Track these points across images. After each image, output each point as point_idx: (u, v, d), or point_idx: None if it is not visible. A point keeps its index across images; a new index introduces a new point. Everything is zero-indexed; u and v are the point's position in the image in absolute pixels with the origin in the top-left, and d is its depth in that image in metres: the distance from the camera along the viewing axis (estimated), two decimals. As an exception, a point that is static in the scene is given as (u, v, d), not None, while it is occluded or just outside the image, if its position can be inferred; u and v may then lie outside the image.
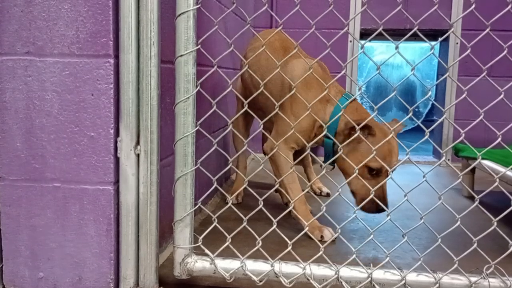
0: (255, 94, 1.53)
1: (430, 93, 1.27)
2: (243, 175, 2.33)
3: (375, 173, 1.71)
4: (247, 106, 1.30)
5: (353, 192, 1.80)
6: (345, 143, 1.65)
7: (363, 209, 1.74)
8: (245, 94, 2.28)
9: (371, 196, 1.39)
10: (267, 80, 1.45)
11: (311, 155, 2.60)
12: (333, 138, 1.80)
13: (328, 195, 2.53)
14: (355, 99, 1.89)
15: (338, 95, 1.87)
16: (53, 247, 1.33)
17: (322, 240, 1.78)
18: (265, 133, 1.38)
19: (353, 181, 1.75)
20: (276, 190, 2.39)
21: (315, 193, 2.56)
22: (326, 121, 1.82)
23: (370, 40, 3.60)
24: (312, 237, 1.80)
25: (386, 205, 1.69)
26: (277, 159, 1.88)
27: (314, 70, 1.85)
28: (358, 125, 1.41)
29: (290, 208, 1.37)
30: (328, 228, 1.83)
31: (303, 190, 1.65)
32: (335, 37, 1.31)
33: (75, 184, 1.31)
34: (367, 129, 1.71)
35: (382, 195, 1.71)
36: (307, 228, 1.32)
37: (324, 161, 1.87)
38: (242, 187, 2.34)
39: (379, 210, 1.69)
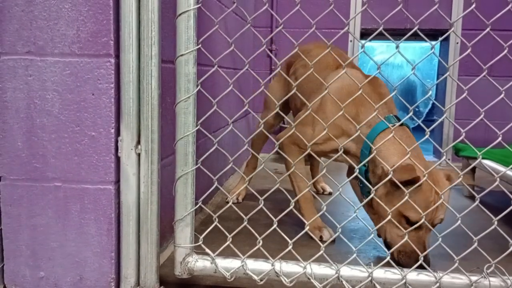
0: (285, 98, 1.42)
1: (430, 92, 1.27)
2: (247, 176, 2.33)
3: (414, 224, 1.44)
4: (279, 108, 1.26)
5: (386, 242, 1.56)
6: (377, 186, 1.36)
7: (399, 263, 1.46)
8: (282, 97, 2.23)
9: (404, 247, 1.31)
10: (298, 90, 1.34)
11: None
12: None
13: (330, 194, 2.54)
14: (403, 125, 1.56)
15: (378, 118, 1.54)
16: (54, 247, 1.34)
17: (321, 240, 1.79)
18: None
19: (388, 229, 1.52)
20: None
21: (317, 192, 2.58)
22: (359, 145, 1.60)
23: (370, 40, 3.61)
24: (313, 236, 1.80)
25: (428, 262, 1.41)
26: (287, 156, 1.80)
27: (359, 83, 1.55)
28: (396, 172, 1.27)
29: (291, 207, 1.37)
30: (328, 228, 1.83)
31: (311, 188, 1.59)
32: (335, 37, 1.31)
33: (76, 184, 1.31)
34: (412, 183, 1.40)
35: (422, 249, 1.45)
36: (307, 228, 1.30)
37: (360, 183, 1.68)
38: (243, 187, 2.35)
39: (419, 266, 1.30)
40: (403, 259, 1.48)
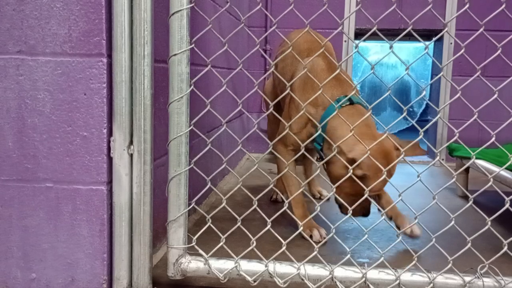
0: (280, 97, 1.50)
1: (424, 92, 1.27)
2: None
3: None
4: (272, 108, 1.28)
5: (336, 200, 1.75)
6: (323, 161, 1.48)
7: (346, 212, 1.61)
8: (275, 95, 2.28)
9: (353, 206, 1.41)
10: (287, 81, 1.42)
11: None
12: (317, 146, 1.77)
13: (328, 199, 2.47)
14: (352, 103, 1.70)
15: (334, 98, 1.71)
16: (46, 248, 1.32)
17: (311, 239, 1.79)
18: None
19: (337, 192, 1.70)
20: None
21: (314, 196, 2.44)
22: (316, 126, 1.72)
23: (364, 40, 3.61)
24: (303, 234, 1.80)
25: (368, 213, 1.71)
26: (277, 159, 1.87)
27: (319, 68, 1.78)
28: (340, 152, 1.40)
29: (285, 207, 1.37)
30: (320, 229, 1.82)
31: (303, 190, 1.61)
32: (329, 37, 1.31)
33: (67, 184, 1.30)
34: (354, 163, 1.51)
35: (365, 210, 1.69)
36: (301, 228, 1.31)
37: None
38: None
39: (364, 215, 1.70)
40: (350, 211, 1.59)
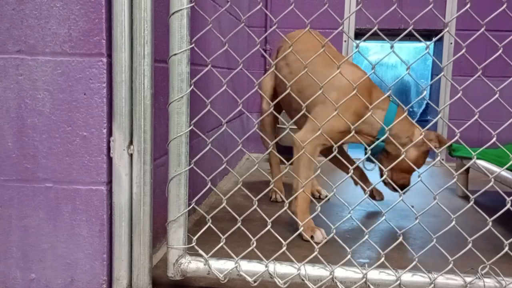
0: (315, 95, 1.51)
1: (424, 92, 1.26)
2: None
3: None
4: (273, 108, 1.32)
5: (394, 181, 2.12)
6: (408, 146, 1.60)
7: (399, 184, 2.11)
8: (274, 91, 2.35)
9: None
10: (295, 79, 1.48)
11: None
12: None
13: (328, 199, 2.47)
14: (399, 106, 1.99)
15: (385, 102, 1.97)
16: (45, 248, 1.32)
17: (313, 240, 1.78)
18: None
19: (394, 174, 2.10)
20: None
21: (313, 195, 2.45)
22: (376, 126, 1.96)
23: (364, 40, 3.61)
24: (304, 235, 1.80)
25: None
26: (304, 153, 1.86)
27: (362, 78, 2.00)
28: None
29: (285, 208, 1.36)
30: (321, 230, 1.82)
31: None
32: (330, 37, 1.31)
33: (67, 185, 1.30)
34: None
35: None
36: (302, 228, 1.31)
37: (368, 160, 2.13)
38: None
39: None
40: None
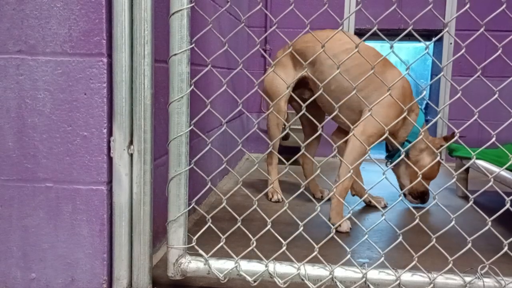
0: (322, 94, 1.54)
1: (424, 92, 1.26)
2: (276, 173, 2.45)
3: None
4: (305, 109, 1.34)
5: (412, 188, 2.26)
6: (440, 149, 1.63)
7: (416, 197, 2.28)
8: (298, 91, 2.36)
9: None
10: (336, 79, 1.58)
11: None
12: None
13: (329, 199, 2.46)
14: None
15: (417, 106, 2.17)
16: (46, 248, 1.32)
17: (336, 229, 1.87)
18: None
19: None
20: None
21: (314, 196, 2.45)
22: (409, 128, 2.13)
23: (364, 40, 3.60)
24: (332, 221, 1.92)
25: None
26: (360, 147, 1.98)
27: (406, 83, 2.13)
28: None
29: (285, 207, 1.36)
30: (348, 222, 1.94)
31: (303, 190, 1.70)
32: (330, 37, 1.31)
33: (67, 184, 1.30)
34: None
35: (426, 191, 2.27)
36: (333, 212, 1.64)
37: (389, 158, 2.28)
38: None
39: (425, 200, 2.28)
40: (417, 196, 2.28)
